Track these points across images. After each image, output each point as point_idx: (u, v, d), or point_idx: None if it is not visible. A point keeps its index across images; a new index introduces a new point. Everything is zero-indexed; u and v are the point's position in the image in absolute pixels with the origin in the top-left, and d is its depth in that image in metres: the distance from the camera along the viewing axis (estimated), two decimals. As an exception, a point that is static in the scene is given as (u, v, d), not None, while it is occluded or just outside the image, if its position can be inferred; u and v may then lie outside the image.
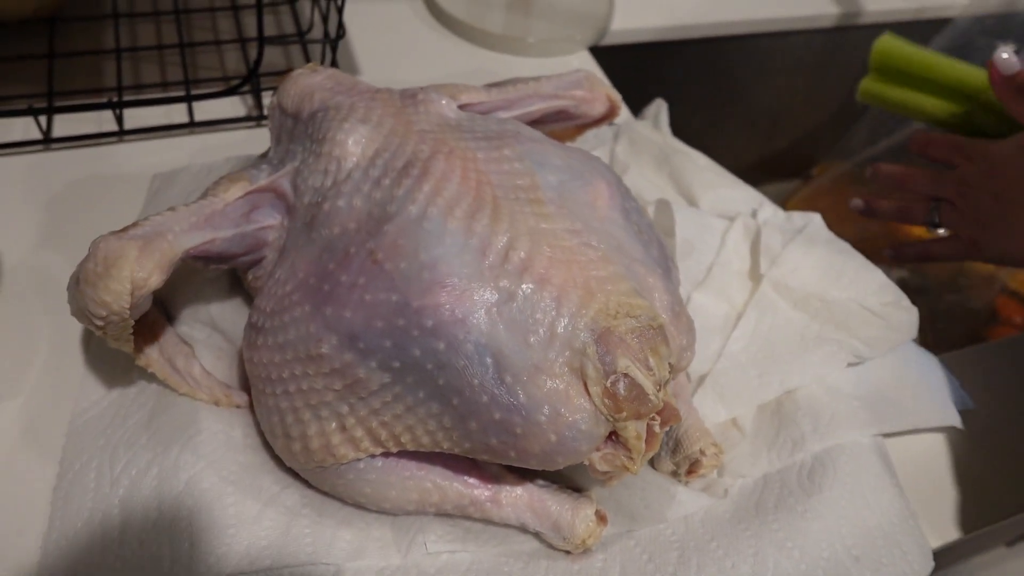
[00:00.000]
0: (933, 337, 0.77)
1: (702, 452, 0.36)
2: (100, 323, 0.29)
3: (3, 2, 0.50)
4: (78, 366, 0.37)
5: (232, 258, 0.35)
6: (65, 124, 0.48)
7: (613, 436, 0.30)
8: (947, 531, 0.40)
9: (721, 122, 0.85)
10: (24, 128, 0.47)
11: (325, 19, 0.51)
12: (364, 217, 0.31)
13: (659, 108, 0.57)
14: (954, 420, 0.42)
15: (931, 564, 0.36)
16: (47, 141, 0.47)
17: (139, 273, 0.28)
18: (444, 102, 0.36)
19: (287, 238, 0.34)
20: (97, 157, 0.48)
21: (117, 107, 0.47)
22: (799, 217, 0.47)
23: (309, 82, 0.37)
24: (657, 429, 0.31)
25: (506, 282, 0.29)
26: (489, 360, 0.28)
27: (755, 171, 0.95)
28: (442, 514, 0.34)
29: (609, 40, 0.68)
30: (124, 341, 0.31)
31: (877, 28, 0.81)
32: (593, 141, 0.53)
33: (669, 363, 0.30)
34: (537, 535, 0.34)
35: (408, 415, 0.30)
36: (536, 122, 0.43)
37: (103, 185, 0.46)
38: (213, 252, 0.33)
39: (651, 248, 0.34)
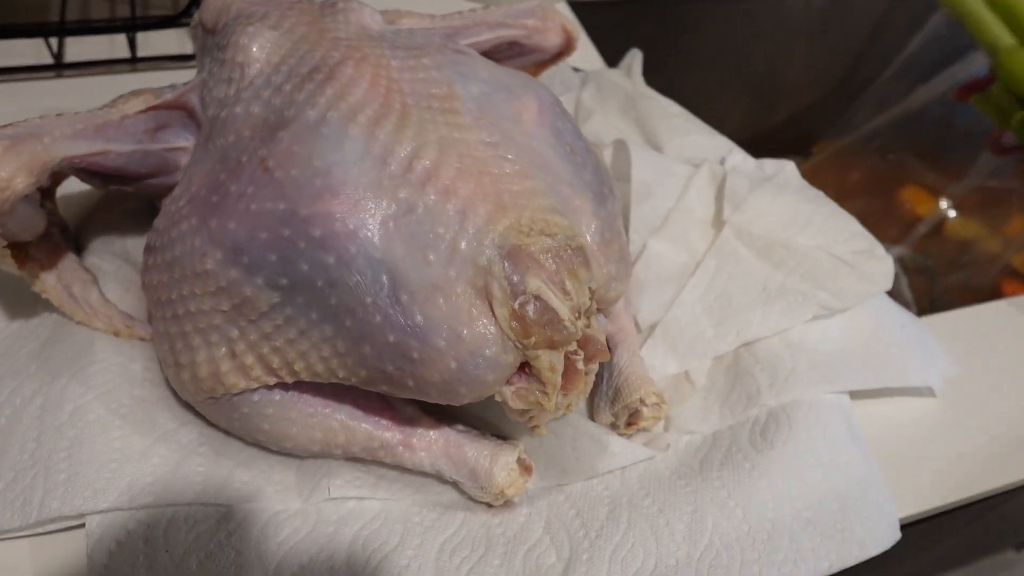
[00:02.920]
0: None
1: (642, 402, 0.33)
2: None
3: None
4: (-20, 297, 0.35)
5: (136, 179, 0.32)
6: (1, 55, 0.46)
7: (527, 368, 0.27)
8: (919, 502, 0.36)
9: (714, 91, 0.82)
10: (-42, 59, 0.45)
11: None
12: (260, 124, 0.28)
13: (633, 57, 0.54)
14: (930, 381, 0.38)
15: (896, 535, 0.33)
16: (-22, 73, 0.45)
17: (4, 173, 0.26)
18: (368, 12, 0.33)
19: (192, 156, 0.32)
20: (34, 92, 0.46)
21: (55, 34, 0.45)
22: (771, 164, 0.44)
23: (229, -5, 0.35)
24: (580, 365, 0.28)
25: (406, 193, 0.26)
26: (384, 277, 0.26)
27: (750, 145, 0.91)
28: (351, 458, 0.31)
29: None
30: (6, 264, 0.29)
31: (880, -8, 0.77)
32: (559, 88, 0.50)
33: (591, 289, 0.27)
34: (455, 484, 0.31)
35: (301, 339, 0.27)
36: (486, 54, 0.41)
37: (36, 120, 0.44)
38: (109, 167, 0.30)
39: (583, 171, 0.31)
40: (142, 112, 0.32)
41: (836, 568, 0.31)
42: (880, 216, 0.78)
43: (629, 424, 0.34)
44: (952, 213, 0.76)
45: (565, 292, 0.26)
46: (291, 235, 0.26)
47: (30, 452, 0.29)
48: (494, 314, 0.26)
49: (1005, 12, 0.46)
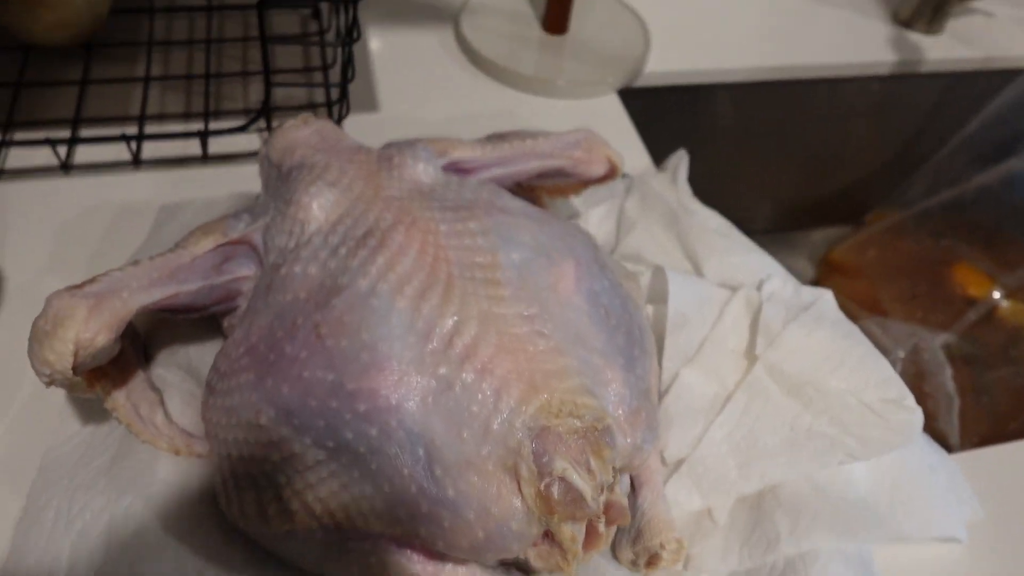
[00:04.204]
0: (975, 411, 0.72)
1: (662, 546, 0.34)
2: (46, 380, 0.30)
3: (40, 29, 0.52)
4: (60, 397, 0.39)
5: (202, 308, 0.35)
6: (86, 152, 0.50)
7: (549, 535, 0.29)
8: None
9: (766, 162, 0.82)
10: (47, 154, 0.49)
11: (342, 60, 0.52)
12: (316, 287, 0.30)
13: (679, 160, 0.55)
14: (956, 533, 0.38)
15: None
16: (66, 168, 0.49)
17: (84, 334, 0.29)
18: (421, 167, 0.35)
19: (252, 295, 0.34)
20: (113, 185, 0.49)
21: (134, 139, 0.49)
22: (808, 292, 0.44)
23: (295, 136, 0.37)
24: (602, 529, 0.29)
25: (446, 369, 0.28)
26: (421, 451, 0.28)
27: (802, 214, 0.91)
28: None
29: (646, 82, 0.66)
30: (79, 390, 0.32)
31: (939, 77, 0.76)
32: (604, 193, 0.51)
33: (614, 467, 0.29)
34: (478, 620, 0.33)
35: (343, 493, 0.29)
36: (537, 176, 0.42)
37: (115, 213, 0.48)
38: (178, 305, 0.33)
39: (616, 335, 0.32)
40: (211, 250, 0.34)
41: None
42: (928, 298, 0.77)
43: (648, 565, 0.35)
44: (1006, 303, 0.74)
45: (589, 471, 0.28)
46: (338, 407, 0.28)
47: (96, 568, 0.32)
48: (521, 492, 0.27)
49: None
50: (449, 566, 0.32)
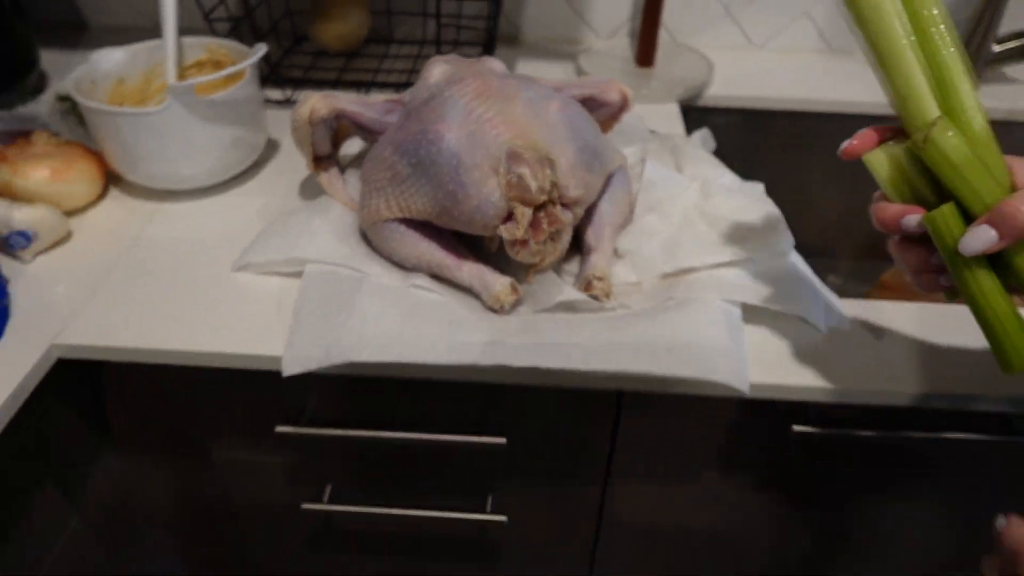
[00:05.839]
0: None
1: (596, 277, 0.57)
2: (295, 125, 0.61)
3: (327, 38, 0.91)
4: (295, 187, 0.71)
5: (370, 131, 0.66)
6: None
7: (512, 217, 0.53)
8: (768, 373, 0.53)
9: (815, 194, 1.00)
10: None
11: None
12: (427, 96, 0.59)
13: (706, 135, 0.79)
14: (817, 318, 0.55)
15: (745, 388, 0.51)
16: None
17: (317, 104, 0.60)
18: (496, 64, 0.64)
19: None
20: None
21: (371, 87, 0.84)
22: (750, 185, 0.65)
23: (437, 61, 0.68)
24: (544, 225, 0.53)
25: (475, 127, 0.55)
26: (455, 161, 0.54)
27: (847, 245, 1.05)
28: (428, 271, 0.59)
29: (707, 102, 0.91)
30: (304, 146, 0.63)
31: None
32: (636, 139, 0.76)
33: (555, 183, 0.53)
34: (478, 297, 0.57)
35: (417, 193, 0.56)
36: (580, 101, 0.69)
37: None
38: (362, 121, 0.64)
39: (578, 140, 0.57)
40: (384, 102, 0.65)
41: (674, 372, 0.50)
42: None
43: (586, 288, 0.57)
44: None
45: (535, 177, 0.52)
46: (420, 139, 0.56)
47: (296, 234, 0.62)
48: (498, 183, 0.53)
49: (934, 65, 0.39)
50: (467, 263, 0.58)
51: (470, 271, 0.57)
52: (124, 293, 0.60)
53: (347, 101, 0.63)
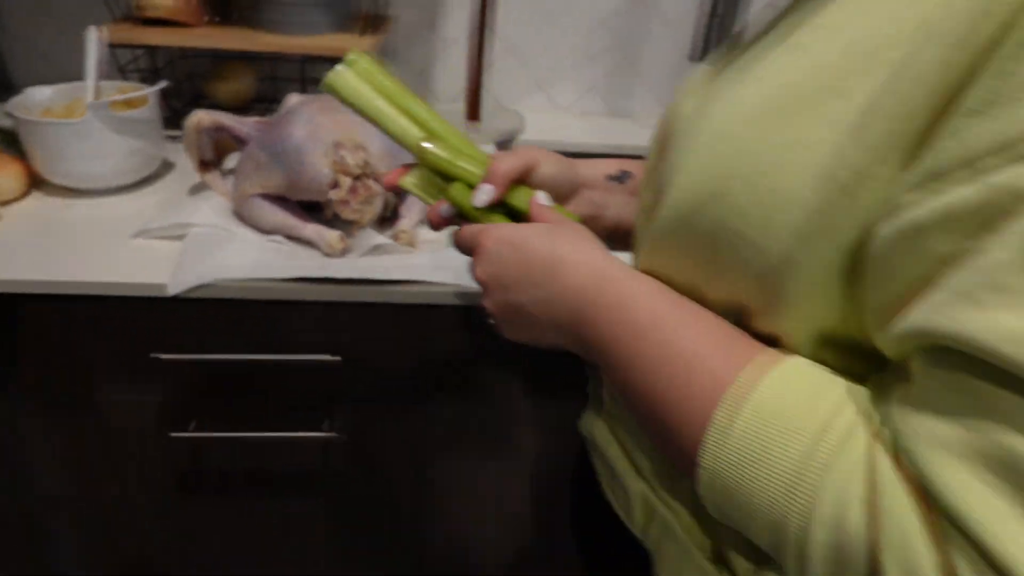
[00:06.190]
0: None
1: (401, 231, 0.81)
2: (185, 132, 0.84)
3: (221, 96, 1.15)
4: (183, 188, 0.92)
5: (244, 141, 0.89)
6: (225, 136, 1.09)
7: (337, 184, 0.77)
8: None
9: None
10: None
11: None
12: (284, 113, 0.84)
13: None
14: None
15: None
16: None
17: (202, 116, 0.83)
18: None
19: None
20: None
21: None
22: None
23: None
24: (361, 191, 0.77)
25: (313, 128, 0.79)
26: (299, 149, 0.78)
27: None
28: (282, 232, 0.81)
29: (520, 143, 1.19)
30: (191, 150, 0.86)
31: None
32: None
33: (367, 162, 0.77)
34: (318, 249, 0.80)
35: (272, 174, 0.79)
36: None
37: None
38: (238, 133, 0.87)
39: (386, 138, 0.82)
40: (255, 121, 0.89)
41: (441, 279, 0.73)
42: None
43: (396, 238, 0.81)
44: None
45: (352, 156, 0.77)
46: (277, 138, 0.79)
47: (184, 211, 0.83)
48: (327, 162, 0.77)
49: (409, 115, 0.53)
50: (311, 224, 0.81)
51: (312, 229, 0.80)
52: (35, 247, 0.79)
53: (226, 117, 0.87)
